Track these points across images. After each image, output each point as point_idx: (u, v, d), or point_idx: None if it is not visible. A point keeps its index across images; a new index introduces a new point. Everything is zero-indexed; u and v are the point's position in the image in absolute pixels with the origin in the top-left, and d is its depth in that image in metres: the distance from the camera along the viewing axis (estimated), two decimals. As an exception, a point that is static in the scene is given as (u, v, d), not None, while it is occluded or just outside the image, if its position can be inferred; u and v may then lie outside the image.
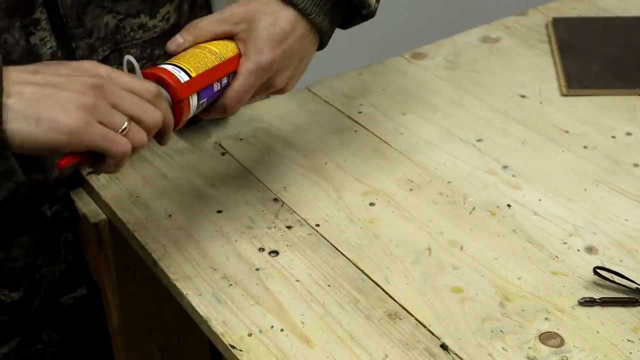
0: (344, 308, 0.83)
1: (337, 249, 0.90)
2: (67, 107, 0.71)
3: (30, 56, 0.87)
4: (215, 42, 0.86)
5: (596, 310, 0.82)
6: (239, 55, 0.86)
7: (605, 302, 0.83)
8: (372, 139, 1.06)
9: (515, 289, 0.85)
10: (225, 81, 0.85)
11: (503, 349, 0.79)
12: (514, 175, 1.00)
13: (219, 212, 0.95)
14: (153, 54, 0.99)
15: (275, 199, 0.97)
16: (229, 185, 0.99)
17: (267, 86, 0.88)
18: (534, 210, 0.94)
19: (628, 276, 0.84)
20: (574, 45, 1.22)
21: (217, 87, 0.84)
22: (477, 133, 1.07)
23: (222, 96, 0.86)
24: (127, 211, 0.96)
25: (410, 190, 0.98)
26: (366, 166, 1.02)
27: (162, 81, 0.80)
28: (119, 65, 0.89)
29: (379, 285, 0.86)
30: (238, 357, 0.79)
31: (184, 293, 0.85)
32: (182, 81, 0.80)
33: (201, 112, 0.85)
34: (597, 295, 0.83)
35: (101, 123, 0.73)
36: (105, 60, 0.94)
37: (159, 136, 0.80)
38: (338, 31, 0.96)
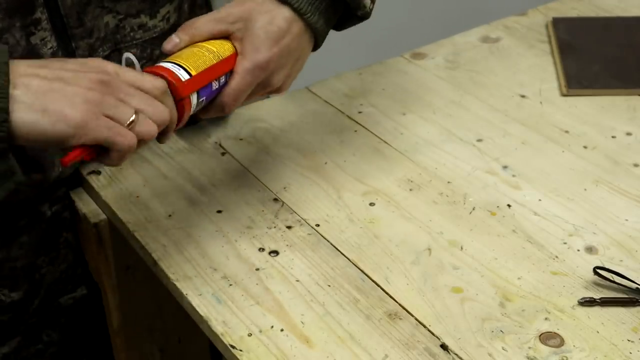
0: (344, 308, 0.83)
1: (337, 249, 0.90)
2: (74, 101, 0.72)
3: (31, 56, 0.87)
4: (211, 41, 0.86)
5: (596, 310, 0.82)
6: (236, 54, 0.86)
7: (605, 302, 0.83)
8: (372, 139, 1.06)
9: (515, 289, 0.85)
10: (223, 80, 0.85)
11: (503, 349, 0.79)
12: (514, 175, 1.00)
13: (219, 212, 0.95)
14: (153, 54, 0.99)
15: (275, 199, 0.97)
16: (229, 185, 0.99)
17: (264, 85, 0.88)
18: (534, 210, 0.94)
19: (628, 276, 0.84)
20: (574, 45, 1.22)
21: (215, 85, 0.84)
22: (477, 133, 1.07)
23: (220, 95, 0.86)
24: (127, 211, 0.96)
25: (410, 190, 0.98)
26: (366, 166, 1.02)
27: (163, 79, 0.80)
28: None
29: (379, 285, 0.86)
30: (238, 357, 0.79)
31: (184, 293, 0.85)
32: (183, 79, 0.80)
33: (200, 111, 0.85)
34: (597, 295, 0.83)
35: (108, 117, 0.73)
36: (105, 60, 0.94)
37: (162, 134, 0.80)
38: (338, 31, 0.96)
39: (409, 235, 0.92)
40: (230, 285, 0.86)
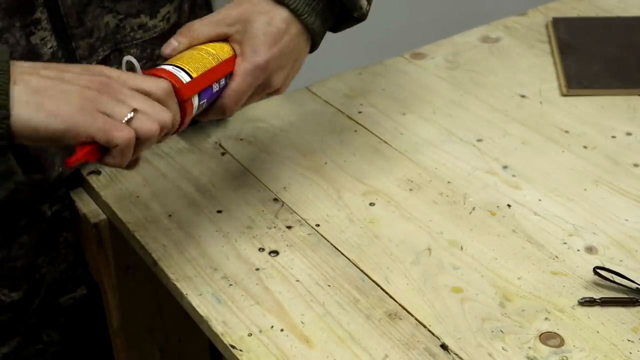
0: (344, 308, 0.83)
1: (337, 249, 0.90)
2: (69, 98, 0.72)
3: (31, 56, 0.87)
4: (210, 44, 0.86)
5: (596, 310, 0.82)
6: (235, 57, 0.86)
7: (605, 302, 0.83)
8: (372, 139, 1.06)
9: (515, 289, 0.85)
10: (222, 82, 0.85)
11: (503, 349, 0.79)
12: (514, 175, 1.00)
13: (219, 212, 0.95)
14: (153, 54, 0.99)
15: (275, 199, 0.97)
16: (229, 185, 0.99)
17: (264, 86, 0.88)
18: (534, 210, 0.94)
19: (628, 276, 0.84)
20: (574, 45, 1.22)
21: (216, 88, 0.84)
22: (477, 133, 1.07)
23: (221, 97, 0.85)
24: (127, 211, 0.96)
25: (410, 190, 0.98)
26: (366, 166, 1.02)
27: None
28: (118, 65, 0.89)
29: (379, 285, 0.86)
30: (238, 357, 0.79)
31: (184, 293, 0.85)
32: (185, 81, 0.80)
33: (200, 113, 0.85)
34: (597, 295, 0.83)
35: (104, 114, 0.73)
36: (105, 60, 0.94)
37: (164, 137, 0.79)
38: (335, 33, 0.96)
39: (409, 235, 0.92)
40: (230, 285, 0.86)
